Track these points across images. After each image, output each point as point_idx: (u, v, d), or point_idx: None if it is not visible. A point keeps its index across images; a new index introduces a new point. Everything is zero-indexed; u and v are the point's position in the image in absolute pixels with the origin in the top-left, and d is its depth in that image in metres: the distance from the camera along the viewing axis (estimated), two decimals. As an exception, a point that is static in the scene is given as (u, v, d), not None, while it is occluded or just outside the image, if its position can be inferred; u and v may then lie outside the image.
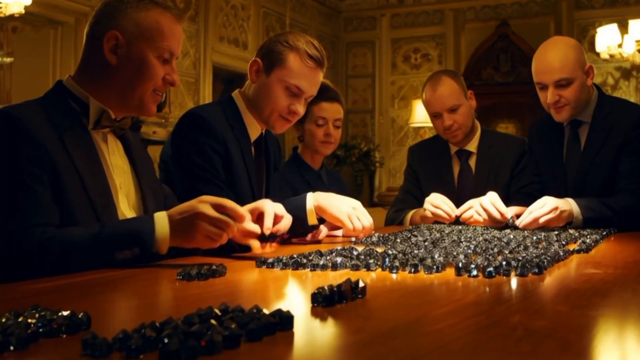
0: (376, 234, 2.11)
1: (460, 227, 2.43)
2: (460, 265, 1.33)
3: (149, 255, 1.56)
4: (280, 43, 2.25)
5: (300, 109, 2.28)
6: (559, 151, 2.84)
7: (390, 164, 9.72)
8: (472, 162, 3.10)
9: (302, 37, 2.27)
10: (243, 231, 1.68)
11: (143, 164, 1.94)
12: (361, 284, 1.08)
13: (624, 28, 7.07)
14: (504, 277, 1.30)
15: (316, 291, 1.02)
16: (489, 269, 1.29)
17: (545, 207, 2.36)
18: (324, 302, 1.01)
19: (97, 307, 1.04)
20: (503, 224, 2.50)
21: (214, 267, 1.32)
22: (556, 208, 2.37)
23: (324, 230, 2.19)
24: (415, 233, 2.18)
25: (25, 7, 4.63)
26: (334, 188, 2.97)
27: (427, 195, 2.84)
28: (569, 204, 2.45)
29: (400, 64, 9.90)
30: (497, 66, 9.16)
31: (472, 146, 3.11)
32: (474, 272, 1.31)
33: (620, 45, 6.77)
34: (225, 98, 2.36)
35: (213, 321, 0.83)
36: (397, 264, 1.38)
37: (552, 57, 2.69)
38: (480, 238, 1.95)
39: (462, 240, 1.90)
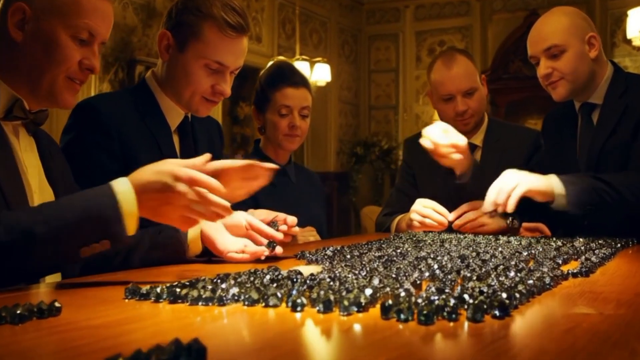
0: (331, 247, 1.71)
1: (444, 237, 2.01)
2: (387, 304, 0.93)
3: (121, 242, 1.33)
4: (190, 12, 1.86)
5: (227, 88, 1.89)
6: (572, 140, 2.42)
7: (414, 162, 9.29)
8: (478, 156, 2.69)
9: None
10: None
11: (56, 167, 1.64)
12: (197, 346, 0.69)
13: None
14: (450, 323, 0.90)
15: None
16: (424, 312, 0.89)
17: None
18: (119, 379, 0.63)
19: None
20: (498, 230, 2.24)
21: (42, 305, 0.94)
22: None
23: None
24: (384, 245, 1.77)
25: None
26: (304, 188, 2.60)
27: (425, 194, 2.46)
28: (536, 180, 2.13)
29: (425, 58, 9.48)
30: (526, 59, 8.62)
31: (478, 139, 2.71)
32: (403, 316, 0.91)
33: (655, 30, 6.23)
34: (139, 82, 2.01)
35: None
36: (303, 300, 0.98)
37: (542, 25, 2.39)
38: (456, 254, 1.53)
39: (432, 255, 1.49)
